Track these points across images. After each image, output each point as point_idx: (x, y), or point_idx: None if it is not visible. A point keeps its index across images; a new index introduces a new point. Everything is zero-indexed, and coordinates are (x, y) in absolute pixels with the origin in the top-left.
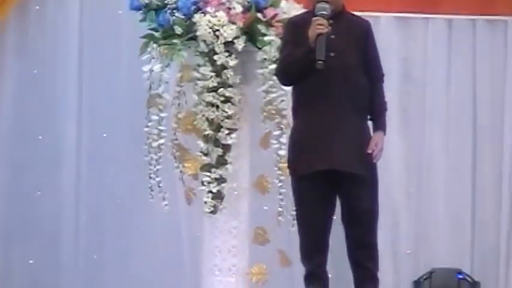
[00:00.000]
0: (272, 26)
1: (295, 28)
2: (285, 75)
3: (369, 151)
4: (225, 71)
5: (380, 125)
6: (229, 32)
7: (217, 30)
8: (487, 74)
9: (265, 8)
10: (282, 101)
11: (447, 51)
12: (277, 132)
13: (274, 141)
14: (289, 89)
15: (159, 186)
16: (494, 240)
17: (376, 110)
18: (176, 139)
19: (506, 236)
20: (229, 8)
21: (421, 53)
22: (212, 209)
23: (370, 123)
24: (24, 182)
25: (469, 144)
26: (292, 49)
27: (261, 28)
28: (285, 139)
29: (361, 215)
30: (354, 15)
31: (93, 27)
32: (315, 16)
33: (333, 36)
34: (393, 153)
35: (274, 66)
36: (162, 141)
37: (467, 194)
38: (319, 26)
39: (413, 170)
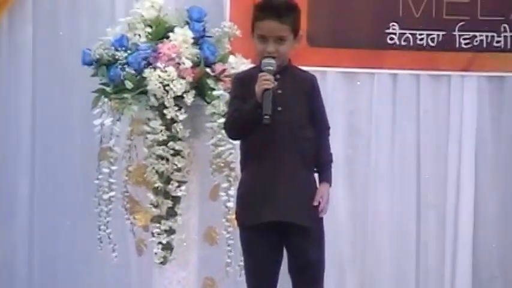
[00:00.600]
0: (221, 81)
1: (243, 83)
2: (233, 129)
3: (315, 203)
4: (175, 124)
5: (326, 177)
6: (178, 86)
7: (167, 84)
8: (430, 128)
9: (214, 63)
10: (231, 154)
11: (392, 105)
12: (225, 185)
13: (223, 193)
14: (237, 142)
15: (109, 238)
16: None
17: (322, 162)
18: (127, 191)
19: (449, 286)
20: (179, 63)
21: (367, 107)
22: (162, 259)
23: (316, 175)
24: None
25: (413, 196)
26: (239, 104)
27: (210, 83)
28: (233, 191)
29: (308, 266)
30: (300, 69)
31: (45, 82)
32: (262, 71)
33: (279, 91)
34: (339, 205)
35: (222, 120)
36: (112, 193)
37: (412, 245)
38: (265, 82)
39: (358, 221)
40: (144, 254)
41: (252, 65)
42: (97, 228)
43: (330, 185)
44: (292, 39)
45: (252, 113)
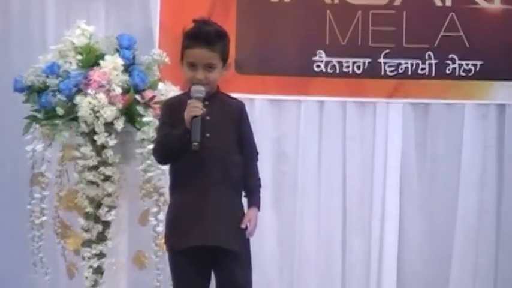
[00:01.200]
0: (150, 107)
1: (172, 110)
2: (161, 155)
3: (243, 226)
4: (105, 150)
5: (254, 202)
6: (109, 113)
7: (98, 111)
8: (356, 154)
9: (144, 90)
10: (160, 179)
11: (318, 131)
12: (155, 210)
13: (152, 218)
14: (167, 167)
15: (42, 262)
16: None
17: (250, 187)
18: (58, 216)
19: None
20: (109, 90)
21: (294, 133)
22: (93, 283)
23: (245, 200)
24: None
25: (339, 221)
26: (168, 130)
27: (140, 109)
28: (162, 216)
29: None
30: (228, 96)
31: None
32: (191, 98)
33: (208, 118)
34: (266, 229)
35: (152, 146)
36: (44, 218)
37: (338, 269)
38: (194, 108)
39: (285, 245)
40: (74, 277)
41: (181, 92)
42: (30, 252)
43: (259, 210)
44: (221, 67)
45: (180, 139)
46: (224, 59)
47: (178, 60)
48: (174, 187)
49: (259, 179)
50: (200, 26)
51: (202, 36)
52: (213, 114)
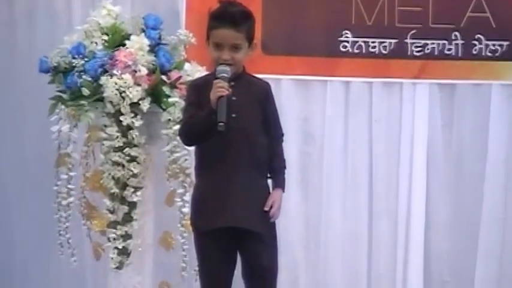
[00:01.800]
0: (176, 88)
1: (198, 90)
2: (187, 136)
3: (266, 208)
4: (131, 131)
5: (279, 183)
6: (134, 93)
7: (123, 91)
8: (383, 135)
9: (170, 70)
10: (186, 160)
11: (344, 112)
12: (181, 191)
13: (178, 199)
14: (192, 148)
15: (69, 243)
16: None
17: (275, 168)
18: (84, 197)
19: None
20: (135, 71)
21: (320, 114)
22: (118, 264)
23: (270, 181)
24: None
25: (366, 202)
26: (194, 111)
27: (166, 90)
28: (188, 197)
29: (261, 271)
30: (254, 77)
31: (2, 89)
32: (217, 78)
33: (234, 98)
34: (292, 211)
35: (178, 126)
36: (71, 199)
37: (364, 250)
38: (220, 89)
39: (312, 227)
40: (101, 258)
41: (207, 72)
42: (57, 233)
43: (283, 191)
44: (247, 47)
45: (206, 120)
46: (250, 39)
47: (204, 40)
48: (199, 168)
49: (284, 160)
50: (226, 7)
51: (228, 16)
52: (239, 94)
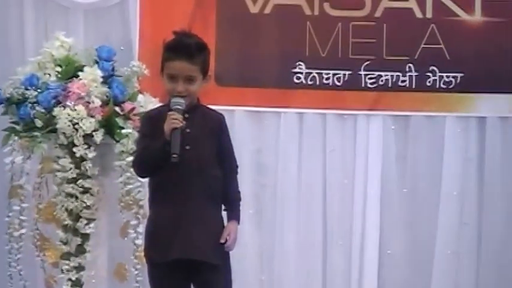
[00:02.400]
0: (129, 119)
1: (152, 122)
2: (141, 167)
3: (222, 240)
4: (84, 162)
5: (234, 215)
6: (88, 125)
7: (77, 123)
8: (337, 166)
9: (123, 101)
10: (139, 191)
11: (298, 144)
12: (134, 222)
13: (132, 231)
14: (146, 180)
15: (20, 274)
16: None
17: (230, 200)
18: (37, 229)
19: None
20: (88, 102)
21: (274, 145)
22: None
23: (225, 213)
24: None
25: (320, 232)
26: (148, 142)
27: (119, 121)
28: (141, 228)
29: None
30: (209, 108)
31: None
32: (171, 110)
33: (188, 130)
34: (247, 242)
35: (131, 158)
36: (23, 230)
37: (318, 282)
38: (174, 120)
39: (266, 259)
40: None
41: (161, 104)
42: (7, 265)
43: (238, 223)
44: (201, 79)
45: (160, 152)
46: (204, 71)
47: (158, 71)
48: (153, 200)
49: (239, 192)
50: (180, 38)
51: (183, 48)
52: (193, 126)
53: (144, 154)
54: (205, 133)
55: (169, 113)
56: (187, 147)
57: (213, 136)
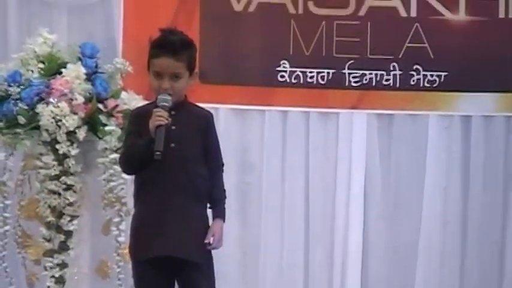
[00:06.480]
0: (113, 116)
1: (139, 119)
2: (127, 164)
3: (207, 241)
4: (67, 159)
5: (219, 213)
6: (71, 122)
7: (60, 120)
8: (320, 164)
9: (106, 99)
10: (122, 189)
11: (282, 142)
12: (117, 219)
13: (114, 228)
14: (129, 177)
15: (6, 272)
16: None
17: (215, 198)
18: (19, 225)
19: None
20: (71, 99)
21: (258, 143)
22: None
23: (210, 211)
24: None
25: (302, 229)
26: (134, 139)
27: (102, 118)
28: (124, 226)
29: None
30: (196, 106)
31: None
32: (157, 107)
33: (173, 127)
34: (230, 240)
35: (114, 155)
36: (7, 227)
37: (300, 278)
38: (159, 118)
39: (249, 256)
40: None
41: (146, 101)
42: None
43: (224, 221)
44: (187, 76)
45: (145, 149)
46: (190, 68)
47: (142, 69)
48: (138, 197)
49: (224, 190)
50: (166, 36)
51: (168, 45)
52: (179, 124)
53: (130, 151)
54: (191, 131)
55: (155, 110)
56: (172, 145)
57: (200, 134)
